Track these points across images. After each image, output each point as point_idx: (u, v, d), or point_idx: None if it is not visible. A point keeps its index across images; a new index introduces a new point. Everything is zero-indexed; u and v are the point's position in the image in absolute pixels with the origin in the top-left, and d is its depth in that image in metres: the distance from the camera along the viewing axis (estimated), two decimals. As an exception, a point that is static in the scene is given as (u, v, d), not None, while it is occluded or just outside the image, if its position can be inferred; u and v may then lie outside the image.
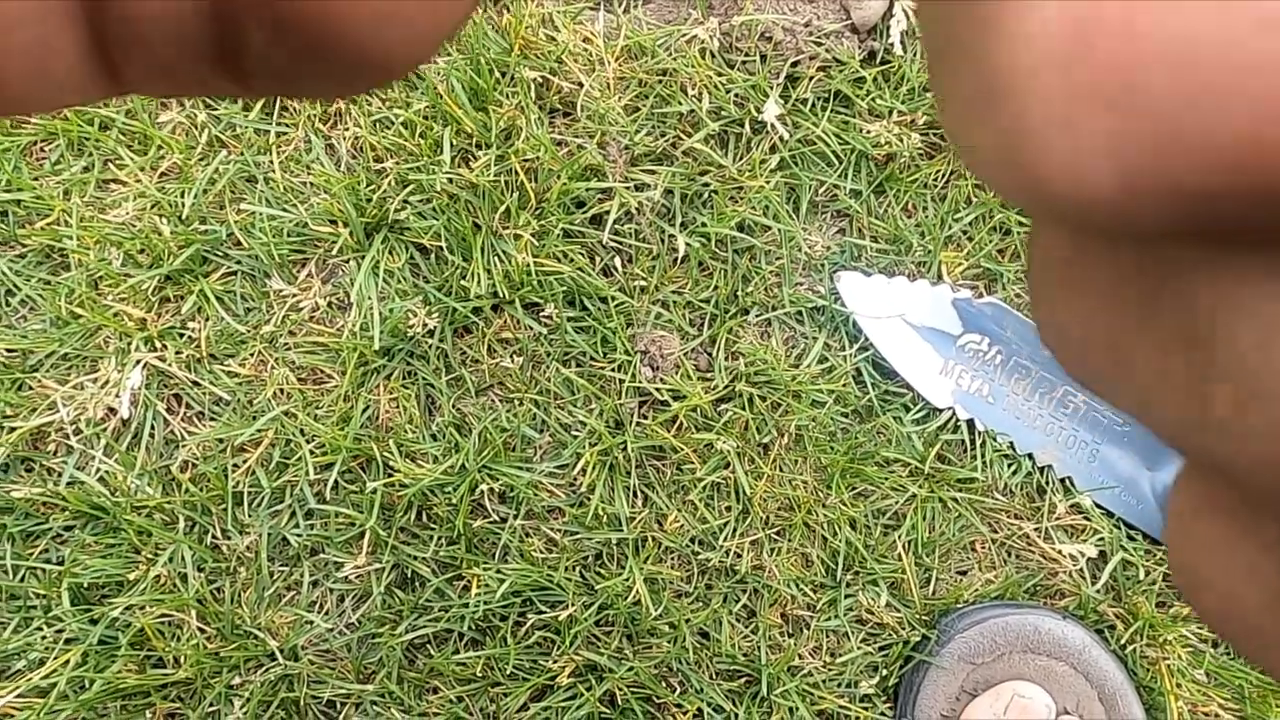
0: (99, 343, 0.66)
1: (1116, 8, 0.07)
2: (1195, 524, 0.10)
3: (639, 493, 0.67)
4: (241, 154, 0.68)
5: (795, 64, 0.69)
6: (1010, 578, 0.69)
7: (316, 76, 0.11)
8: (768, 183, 0.69)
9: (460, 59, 0.68)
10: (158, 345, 0.66)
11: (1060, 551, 0.69)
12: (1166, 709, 0.67)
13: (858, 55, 0.70)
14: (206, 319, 0.67)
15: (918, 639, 0.68)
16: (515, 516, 0.66)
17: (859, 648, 0.67)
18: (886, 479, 0.68)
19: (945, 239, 0.71)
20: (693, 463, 0.67)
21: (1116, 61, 0.07)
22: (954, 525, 0.69)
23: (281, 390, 0.66)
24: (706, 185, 0.69)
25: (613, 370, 0.67)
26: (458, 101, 0.67)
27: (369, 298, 0.66)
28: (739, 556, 0.67)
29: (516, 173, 0.66)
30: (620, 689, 0.65)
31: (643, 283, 0.68)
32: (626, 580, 0.65)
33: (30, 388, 0.65)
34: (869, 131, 0.69)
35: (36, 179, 0.67)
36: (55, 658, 0.63)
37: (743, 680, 0.67)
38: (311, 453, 0.65)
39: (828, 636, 0.68)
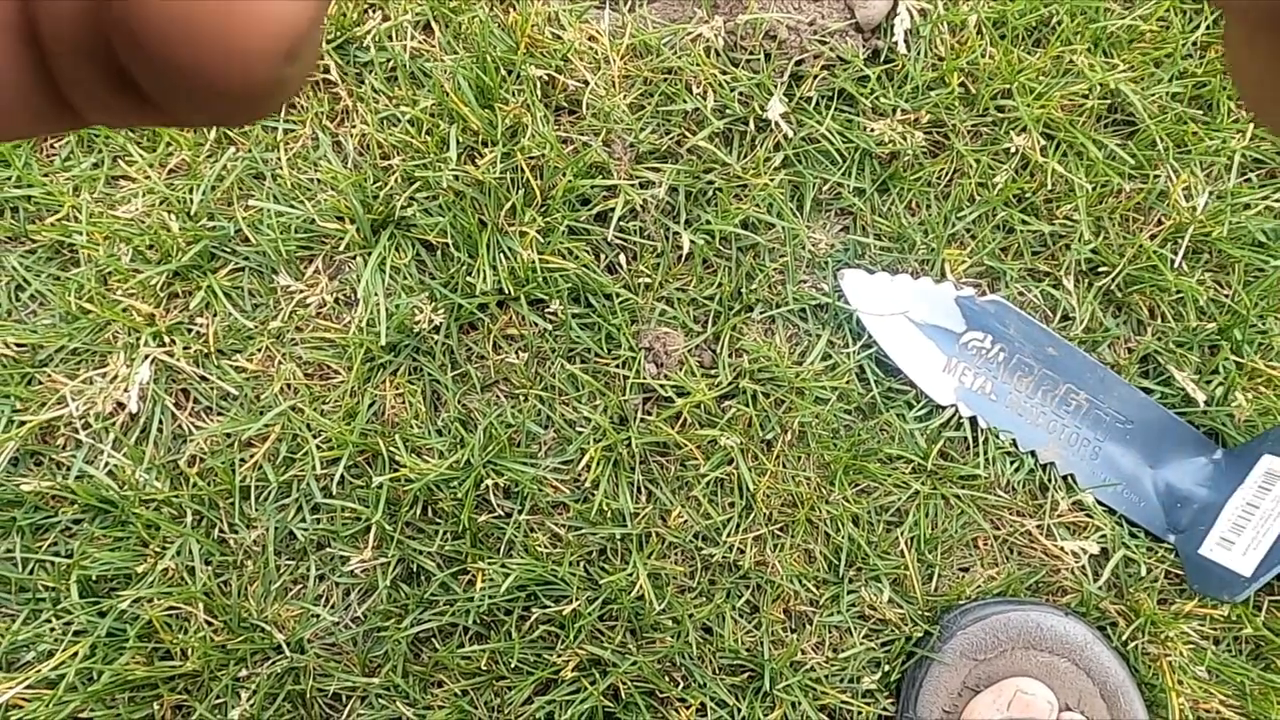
0: (108, 338, 0.66)
1: None
2: (1258, 36, 0.13)
3: (643, 488, 0.67)
4: (249, 151, 0.68)
5: (799, 62, 0.70)
6: (1012, 574, 0.69)
7: (185, 95, 0.12)
8: (772, 180, 0.69)
9: (467, 57, 0.68)
10: (166, 340, 0.67)
11: (1062, 548, 0.69)
12: (1168, 706, 0.67)
13: (862, 54, 0.70)
14: (214, 315, 0.67)
15: (920, 635, 0.68)
16: (520, 512, 0.66)
17: (861, 643, 0.68)
18: (889, 476, 0.68)
19: (948, 237, 0.71)
20: (696, 459, 0.67)
21: None
22: (956, 522, 0.69)
23: (288, 385, 0.67)
24: (711, 183, 0.69)
25: (617, 366, 0.67)
26: (464, 99, 0.67)
27: (375, 294, 0.67)
28: (742, 552, 0.67)
29: (522, 170, 0.67)
30: (624, 683, 0.65)
31: (647, 280, 0.68)
32: (630, 575, 0.65)
33: (40, 382, 0.66)
34: (873, 130, 0.70)
35: (46, 175, 0.68)
36: (64, 649, 0.63)
37: (745, 675, 0.67)
38: (318, 447, 0.65)
39: (830, 632, 0.68)
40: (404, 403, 0.67)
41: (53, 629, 0.64)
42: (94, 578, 0.64)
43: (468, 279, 0.67)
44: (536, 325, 0.68)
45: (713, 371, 0.69)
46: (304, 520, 0.66)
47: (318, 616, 0.66)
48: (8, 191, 0.67)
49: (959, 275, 0.71)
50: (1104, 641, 0.67)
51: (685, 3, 0.71)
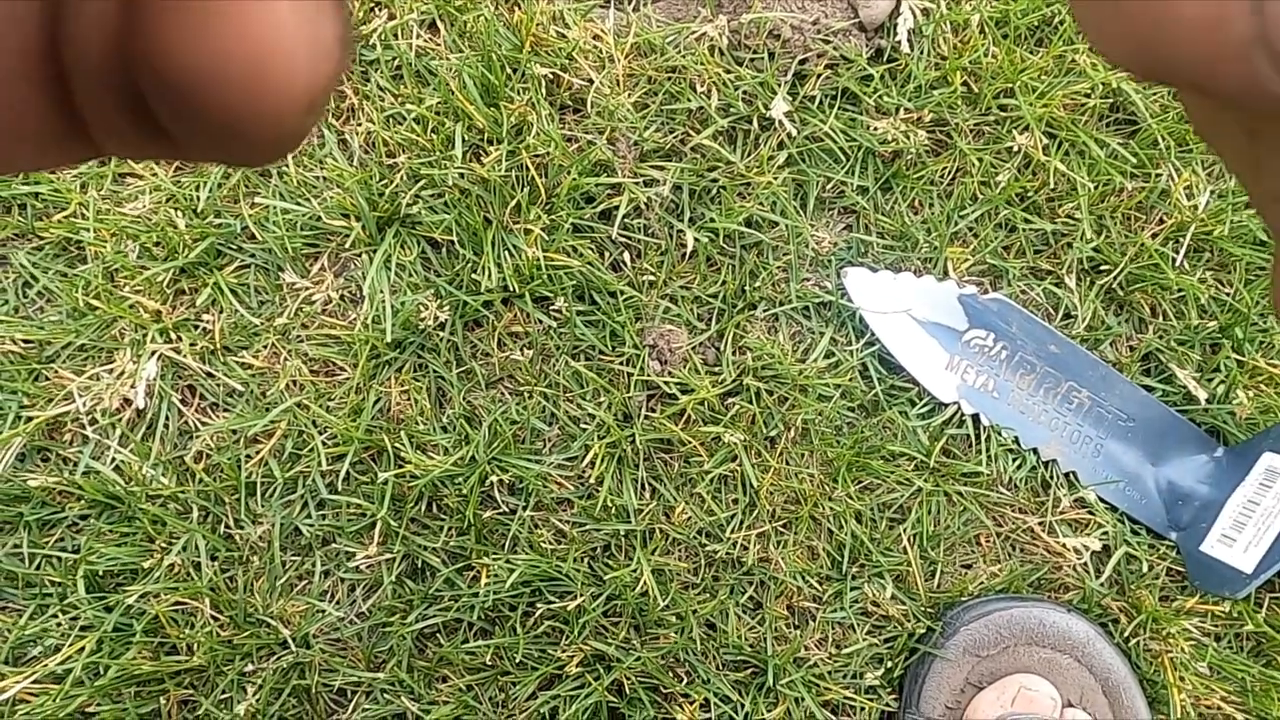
0: (115, 334, 0.67)
1: None
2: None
3: (647, 485, 0.68)
4: (256, 149, 0.69)
5: (803, 61, 0.70)
6: (1014, 571, 0.69)
7: (207, 138, 0.12)
8: (775, 179, 0.69)
9: (472, 55, 0.69)
10: (173, 337, 0.67)
11: (1064, 545, 0.69)
12: (1169, 702, 0.68)
13: (865, 53, 0.71)
14: (221, 311, 0.67)
15: (922, 631, 0.68)
16: (524, 508, 0.66)
17: (864, 640, 0.68)
18: (892, 473, 0.68)
19: (951, 235, 0.71)
20: (700, 456, 0.67)
21: None
22: (959, 519, 0.69)
23: (294, 382, 0.67)
24: (715, 181, 0.69)
25: (621, 364, 0.68)
26: (469, 97, 0.67)
27: (381, 291, 0.67)
28: (746, 549, 0.67)
29: (527, 168, 0.67)
30: (628, 678, 0.66)
31: (651, 277, 0.69)
32: (634, 571, 0.66)
33: (47, 378, 0.66)
34: (876, 128, 0.70)
35: (54, 173, 0.68)
36: (70, 644, 0.64)
37: (749, 671, 0.68)
38: (324, 444, 0.66)
39: (833, 628, 0.68)
40: (409, 399, 0.67)
41: (59, 624, 0.64)
42: (100, 573, 0.64)
43: (473, 276, 0.67)
44: (541, 322, 0.68)
45: (716, 369, 0.69)
46: (309, 516, 0.66)
47: (323, 612, 0.66)
48: (15, 189, 0.68)
49: (961, 273, 0.71)
50: (1106, 638, 0.67)
51: (689, 2, 0.72)
